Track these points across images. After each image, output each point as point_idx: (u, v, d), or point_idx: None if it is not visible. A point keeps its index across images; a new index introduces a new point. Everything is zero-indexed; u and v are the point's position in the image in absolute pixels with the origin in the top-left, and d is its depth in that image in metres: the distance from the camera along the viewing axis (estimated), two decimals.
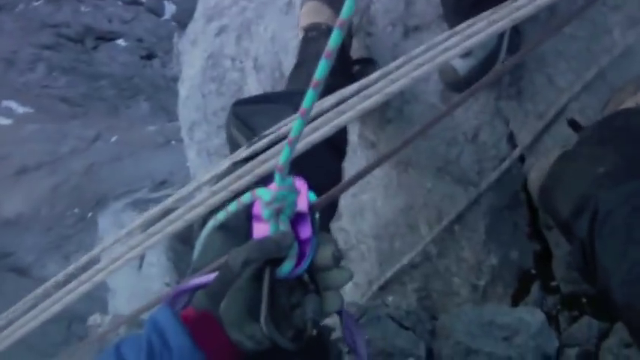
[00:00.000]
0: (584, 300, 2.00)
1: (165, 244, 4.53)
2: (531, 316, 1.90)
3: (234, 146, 1.75)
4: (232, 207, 1.19)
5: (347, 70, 2.22)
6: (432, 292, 2.33)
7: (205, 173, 1.58)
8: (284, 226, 0.98)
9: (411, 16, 2.26)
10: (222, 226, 1.38)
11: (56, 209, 6.88)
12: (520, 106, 2.09)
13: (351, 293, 2.49)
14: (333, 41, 0.81)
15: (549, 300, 2.09)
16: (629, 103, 1.78)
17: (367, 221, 2.42)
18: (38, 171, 7.30)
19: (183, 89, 3.42)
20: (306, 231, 0.99)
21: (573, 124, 1.86)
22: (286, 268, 0.95)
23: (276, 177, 0.96)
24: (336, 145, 1.91)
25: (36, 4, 8.11)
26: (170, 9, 7.18)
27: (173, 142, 6.02)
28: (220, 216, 1.32)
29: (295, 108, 1.05)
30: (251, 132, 1.64)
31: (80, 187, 6.88)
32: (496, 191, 2.15)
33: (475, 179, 2.15)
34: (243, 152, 1.56)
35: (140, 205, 5.19)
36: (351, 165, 2.22)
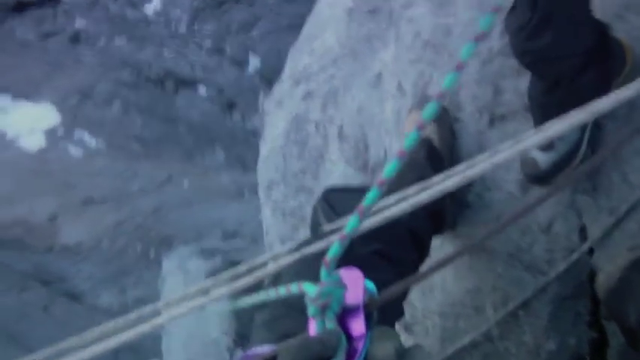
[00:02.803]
0: None
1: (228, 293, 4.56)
2: None
3: (314, 229, 1.80)
4: (282, 291, 1.12)
5: None
6: None
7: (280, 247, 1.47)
8: (331, 323, 0.93)
9: (498, 105, 2.31)
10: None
11: (118, 244, 6.77)
12: (594, 200, 2.12)
13: None
14: (388, 172, 0.94)
15: None
16: None
17: (435, 299, 2.45)
18: (104, 204, 7.19)
19: (265, 148, 3.49)
20: (359, 327, 0.93)
21: None
22: None
23: (322, 272, 0.94)
24: (418, 234, 1.94)
25: (118, 41, 8.08)
26: (254, 62, 7.11)
27: (246, 193, 5.92)
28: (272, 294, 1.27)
29: None
30: (337, 217, 1.59)
31: (145, 226, 6.81)
32: (563, 281, 2.17)
33: (544, 268, 2.18)
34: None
35: (208, 254, 5.11)
36: None
